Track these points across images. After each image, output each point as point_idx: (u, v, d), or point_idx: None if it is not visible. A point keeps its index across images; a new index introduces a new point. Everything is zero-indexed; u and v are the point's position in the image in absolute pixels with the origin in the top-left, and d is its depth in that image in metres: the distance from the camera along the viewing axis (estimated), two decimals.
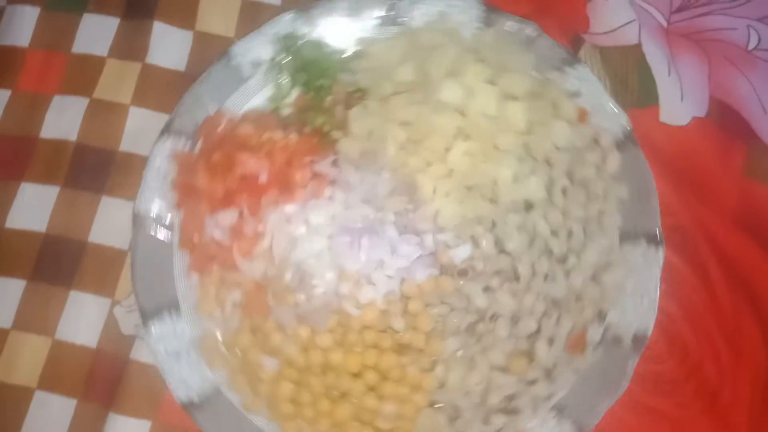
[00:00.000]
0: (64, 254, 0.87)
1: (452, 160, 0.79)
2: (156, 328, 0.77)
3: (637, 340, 0.76)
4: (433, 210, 0.79)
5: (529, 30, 0.85)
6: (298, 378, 0.77)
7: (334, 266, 0.78)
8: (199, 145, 0.85)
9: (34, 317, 0.85)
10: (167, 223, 0.82)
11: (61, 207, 0.89)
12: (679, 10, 0.93)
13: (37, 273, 0.86)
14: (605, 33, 0.92)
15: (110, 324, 0.85)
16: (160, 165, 0.82)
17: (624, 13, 0.93)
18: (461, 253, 0.79)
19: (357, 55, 0.87)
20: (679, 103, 0.90)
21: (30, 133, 0.92)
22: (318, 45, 0.87)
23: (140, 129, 0.89)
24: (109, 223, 0.88)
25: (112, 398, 0.82)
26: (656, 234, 0.78)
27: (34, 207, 0.89)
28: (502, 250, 0.79)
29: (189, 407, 0.76)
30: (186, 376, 0.77)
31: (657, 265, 0.78)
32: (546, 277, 0.77)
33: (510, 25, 0.85)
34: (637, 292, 0.78)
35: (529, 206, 0.80)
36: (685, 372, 0.82)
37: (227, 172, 0.81)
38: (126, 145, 0.91)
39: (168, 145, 0.82)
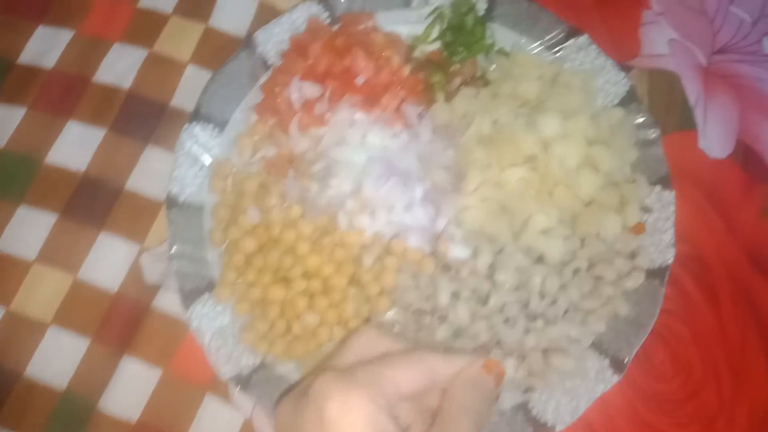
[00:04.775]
0: (99, 196, 0.87)
1: (508, 176, 0.82)
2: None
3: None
4: (463, 204, 0.82)
5: (652, 132, 0.87)
6: (263, 242, 0.82)
7: (356, 183, 0.82)
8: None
9: (60, 253, 0.85)
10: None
11: (104, 149, 0.89)
12: (721, 51, 0.98)
13: (69, 210, 0.87)
14: (654, 56, 0.97)
15: (135, 271, 0.85)
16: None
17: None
18: (458, 252, 0.81)
19: (504, 53, 0.91)
20: (711, 136, 0.95)
21: (86, 74, 0.93)
22: (481, 23, 0.91)
23: (194, 86, 0.88)
24: (149, 172, 0.88)
25: (128, 342, 0.82)
26: (624, 361, 0.79)
27: (77, 145, 0.90)
28: (490, 275, 0.80)
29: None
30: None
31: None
32: (507, 320, 0.79)
33: (637, 119, 0.87)
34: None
35: (539, 260, 0.82)
36: (687, 393, 0.84)
37: (338, 57, 0.87)
38: (177, 100, 0.93)
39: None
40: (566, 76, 0.88)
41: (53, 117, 0.92)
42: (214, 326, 0.80)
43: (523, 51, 0.91)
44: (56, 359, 0.83)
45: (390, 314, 0.81)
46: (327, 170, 0.84)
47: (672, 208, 0.84)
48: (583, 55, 0.90)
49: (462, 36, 0.91)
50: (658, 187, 0.85)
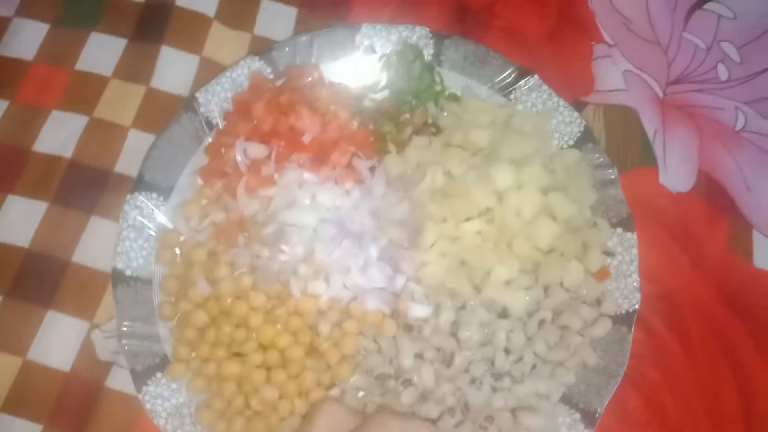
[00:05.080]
0: (45, 272, 0.84)
1: (465, 230, 0.79)
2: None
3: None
4: (421, 260, 0.80)
5: (610, 173, 0.85)
6: (215, 315, 0.78)
7: (308, 247, 0.79)
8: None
9: (7, 335, 0.82)
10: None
11: (47, 223, 0.86)
12: (676, 82, 0.96)
13: (15, 289, 0.83)
14: (609, 91, 0.95)
15: (86, 348, 0.81)
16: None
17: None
18: (419, 311, 0.78)
19: (454, 98, 0.89)
20: (672, 169, 0.93)
21: (24, 145, 0.89)
22: (429, 69, 0.89)
23: (138, 152, 0.85)
24: (95, 244, 0.85)
25: (82, 426, 0.78)
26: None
27: (19, 221, 0.86)
28: (454, 333, 0.78)
29: None
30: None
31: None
32: (473, 381, 0.76)
33: (594, 160, 0.85)
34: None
35: (503, 314, 0.79)
36: None
37: (283, 115, 0.84)
38: (121, 167, 0.88)
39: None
40: (518, 119, 0.86)
41: None
42: (169, 406, 0.77)
43: (474, 95, 0.89)
44: None
45: (353, 380, 0.78)
46: (278, 234, 0.80)
47: (635, 250, 0.82)
48: (535, 96, 0.88)
49: (410, 84, 0.88)
50: (619, 230, 0.83)
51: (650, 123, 0.94)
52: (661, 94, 0.96)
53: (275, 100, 0.85)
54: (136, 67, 0.94)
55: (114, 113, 0.92)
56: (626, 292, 0.81)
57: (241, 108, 0.86)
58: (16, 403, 0.80)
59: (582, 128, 0.87)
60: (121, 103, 0.92)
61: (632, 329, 0.79)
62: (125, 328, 0.78)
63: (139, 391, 0.77)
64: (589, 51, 0.97)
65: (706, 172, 0.93)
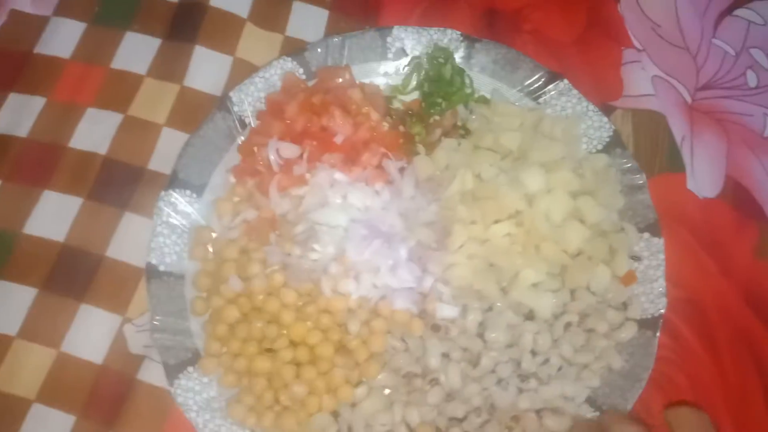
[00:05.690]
0: (79, 266, 0.86)
1: (494, 232, 0.80)
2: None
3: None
4: (449, 261, 0.81)
5: (638, 178, 0.85)
6: (246, 311, 0.80)
7: (339, 246, 0.80)
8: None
9: (42, 327, 0.83)
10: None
11: (82, 218, 0.88)
12: (704, 88, 0.96)
13: (50, 282, 0.85)
14: (638, 96, 0.96)
15: (119, 341, 0.83)
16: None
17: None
18: (447, 312, 0.79)
19: (483, 101, 0.90)
20: (699, 175, 0.93)
21: (60, 141, 0.91)
22: (460, 72, 0.90)
23: (171, 149, 0.87)
24: (128, 240, 0.87)
25: (114, 418, 0.80)
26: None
27: (55, 216, 0.88)
28: (480, 333, 0.79)
29: None
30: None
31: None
32: (500, 381, 0.77)
33: (622, 165, 0.86)
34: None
35: (530, 316, 0.80)
36: None
37: (315, 115, 0.85)
38: (155, 164, 0.90)
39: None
40: (548, 123, 0.86)
41: (29, 188, 0.90)
42: (200, 400, 0.79)
43: (503, 98, 0.90)
44: None
45: (380, 378, 0.79)
46: (309, 233, 0.82)
47: (662, 256, 0.82)
48: (565, 100, 0.89)
49: (441, 86, 0.89)
50: (646, 235, 0.84)
51: (678, 128, 0.94)
52: (689, 100, 0.96)
53: (308, 101, 0.86)
54: (170, 66, 0.95)
55: (148, 111, 0.93)
56: (652, 296, 0.81)
57: (274, 108, 0.87)
58: (51, 394, 0.82)
59: (611, 133, 0.87)
60: (155, 101, 0.94)
61: (658, 333, 0.80)
62: (158, 323, 0.80)
63: (170, 384, 0.78)
64: (618, 56, 0.98)
65: (734, 178, 0.93)
